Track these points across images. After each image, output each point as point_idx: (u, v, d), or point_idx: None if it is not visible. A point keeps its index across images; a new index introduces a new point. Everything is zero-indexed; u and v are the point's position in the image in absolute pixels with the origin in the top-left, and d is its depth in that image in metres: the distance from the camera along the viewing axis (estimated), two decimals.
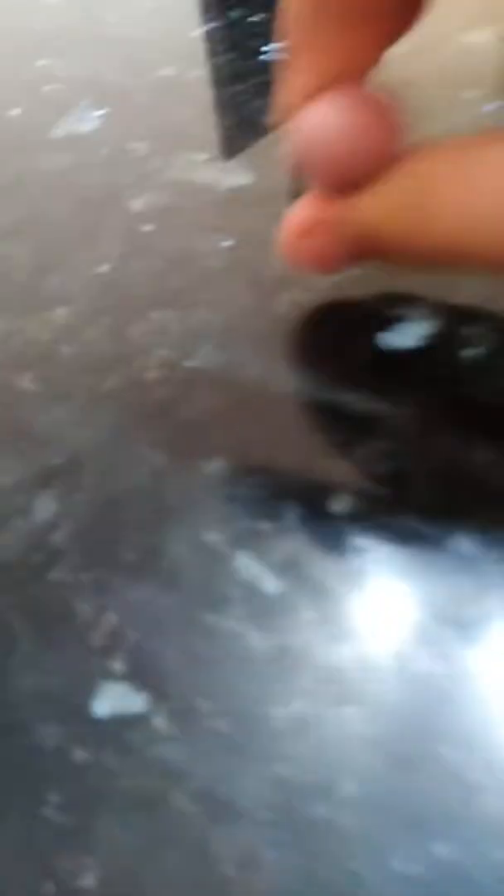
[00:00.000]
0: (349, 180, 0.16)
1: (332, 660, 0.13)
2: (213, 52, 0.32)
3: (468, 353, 0.17)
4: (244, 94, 0.29)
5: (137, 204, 0.24)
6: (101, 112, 0.29)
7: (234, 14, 0.35)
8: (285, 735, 0.13)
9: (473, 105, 0.26)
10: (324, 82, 0.16)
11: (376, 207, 0.16)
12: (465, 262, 0.15)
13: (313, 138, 0.16)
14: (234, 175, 0.24)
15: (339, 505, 0.15)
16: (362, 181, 0.16)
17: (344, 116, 0.15)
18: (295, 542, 0.15)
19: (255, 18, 0.34)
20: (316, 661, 0.13)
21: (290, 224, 0.17)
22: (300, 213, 0.17)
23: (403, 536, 0.14)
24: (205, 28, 0.34)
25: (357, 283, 0.20)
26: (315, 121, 0.16)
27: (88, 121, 0.29)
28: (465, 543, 0.14)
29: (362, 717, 0.13)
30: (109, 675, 0.14)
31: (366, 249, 0.16)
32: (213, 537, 0.15)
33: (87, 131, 0.29)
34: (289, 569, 0.14)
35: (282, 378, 0.18)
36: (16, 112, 0.30)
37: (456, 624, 0.13)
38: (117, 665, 0.14)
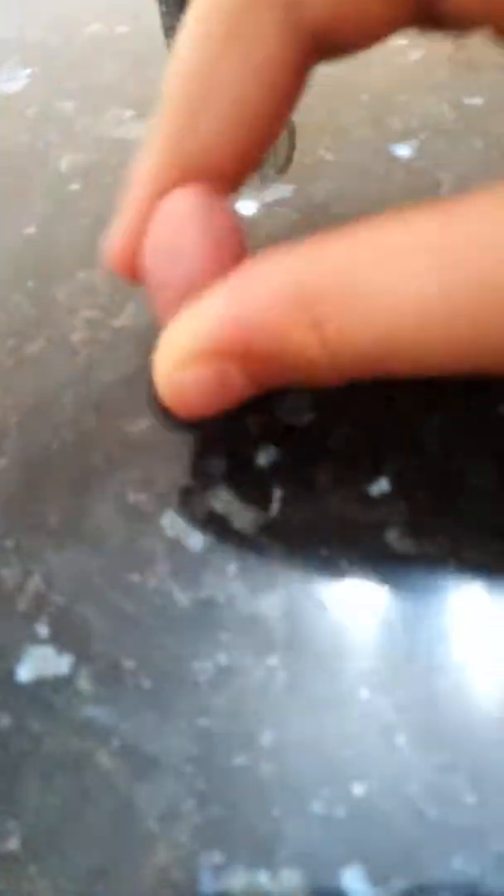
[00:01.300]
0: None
1: (254, 611, 0.13)
2: (143, 7, 0.31)
3: None
4: None
5: (65, 163, 0.23)
6: (28, 71, 0.28)
7: None
8: (208, 688, 0.12)
9: (401, 53, 0.25)
10: (181, 173, 0.14)
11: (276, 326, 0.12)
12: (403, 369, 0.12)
13: (158, 245, 0.14)
14: None
15: (264, 458, 0.15)
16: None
17: (190, 230, 0.13)
18: (219, 497, 0.15)
19: None
20: (239, 613, 0.13)
21: (164, 353, 0.13)
22: (178, 333, 0.13)
23: (325, 485, 0.14)
24: None
25: (281, 235, 0.19)
26: (162, 228, 0.14)
27: (15, 80, 0.28)
28: (385, 487, 0.14)
29: (283, 666, 0.12)
30: (33, 640, 0.13)
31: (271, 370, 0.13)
32: (138, 497, 0.15)
33: (14, 91, 0.28)
34: (213, 524, 0.14)
35: None
36: None
37: (375, 569, 0.13)
38: (41, 629, 0.14)
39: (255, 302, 0.12)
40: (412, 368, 0.12)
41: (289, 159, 0.22)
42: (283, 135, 0.23)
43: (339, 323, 0.11)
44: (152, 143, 0.15)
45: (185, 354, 0.13)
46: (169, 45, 0.28)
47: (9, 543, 0.15)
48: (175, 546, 0.14)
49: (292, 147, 0.22)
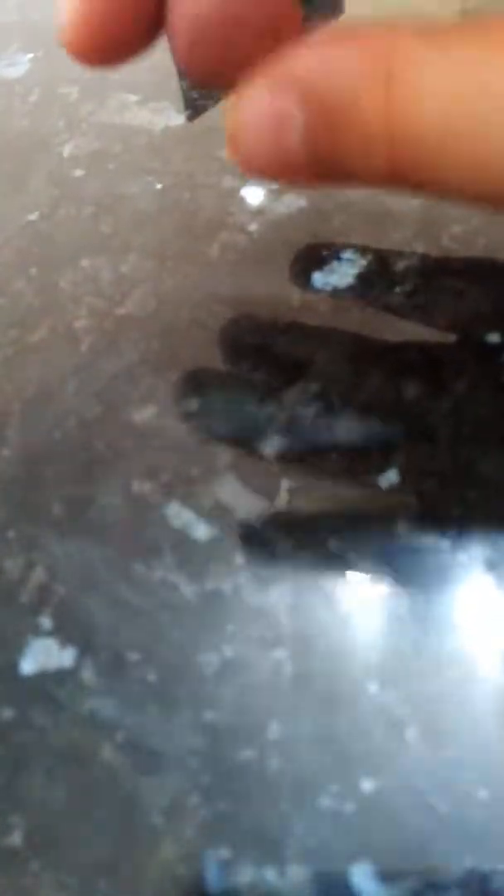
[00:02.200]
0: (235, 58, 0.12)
1: (261, 603, 0.13)
2: None
3: (399, 289, 0.17)
4: None
5: (68, 149, 0.23)
6: (30, 56, 0.28)
7: None
8: (214, 681, 0.12)
9: None
10: None
11: (341, 89, 0.11)
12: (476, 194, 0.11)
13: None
14: (167, 116, 0.23)
15: (270, 448, 0.15)
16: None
17: None
18: (226, 488, 0.14)
19: None
20: (245, 605, 0.13)
21: (238, 107, 0.12)
22: (252, 92, 0.12)
23: (333, 476, 0.14)
24: None
25: (288, 223, 0.19)
26: None
27: (17, 65, 0.28)
28: (395, 479, 0.14)
29: (290, 658, 0.12)
30: (36, 632, 0.13)
31: (318, 147, 0.12)
32: (143, 487, 0.15)
33: (15, 76, 0.27)
34: (219, 514, 0.14)
35: (213, 323, 0.17)
36: None
37: (384, 561, 0.13)
38: (44, 621, 0.13)
39: (334, 47, 0.12)
40: (467, 172, 0.11)
41: None
42: None
43: (409, 87, 0.11)
44: None
45: (253, 83, 0.12)
46: None
47: (11, 534, 0.14)
48: (181, 537, 0.14)
49: None
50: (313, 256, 0.18)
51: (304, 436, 0.15)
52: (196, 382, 0.16)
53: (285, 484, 0.14)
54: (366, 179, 0.12)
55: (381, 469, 0.14)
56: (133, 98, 0.25)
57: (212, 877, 0.11)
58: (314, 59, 0.11)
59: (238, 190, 0.20)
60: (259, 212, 0.19)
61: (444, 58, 0.11)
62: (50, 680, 0.13)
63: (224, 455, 0.15)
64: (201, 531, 0.14)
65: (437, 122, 0.11)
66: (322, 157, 0.12)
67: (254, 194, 0.20)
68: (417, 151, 0.11)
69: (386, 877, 0.10)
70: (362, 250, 0.18)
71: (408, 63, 0.11)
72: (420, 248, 0.18)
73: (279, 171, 0.12)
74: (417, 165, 0.11)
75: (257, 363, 0.16)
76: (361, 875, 0.10)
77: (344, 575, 0.13)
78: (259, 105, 0.12)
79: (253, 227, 0.19)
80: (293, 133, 0.12)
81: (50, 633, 0.13)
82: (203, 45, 0.12)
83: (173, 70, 0.26)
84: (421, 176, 0.11)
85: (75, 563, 0.14)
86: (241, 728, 0.12)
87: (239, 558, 0.13)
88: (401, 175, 0.12)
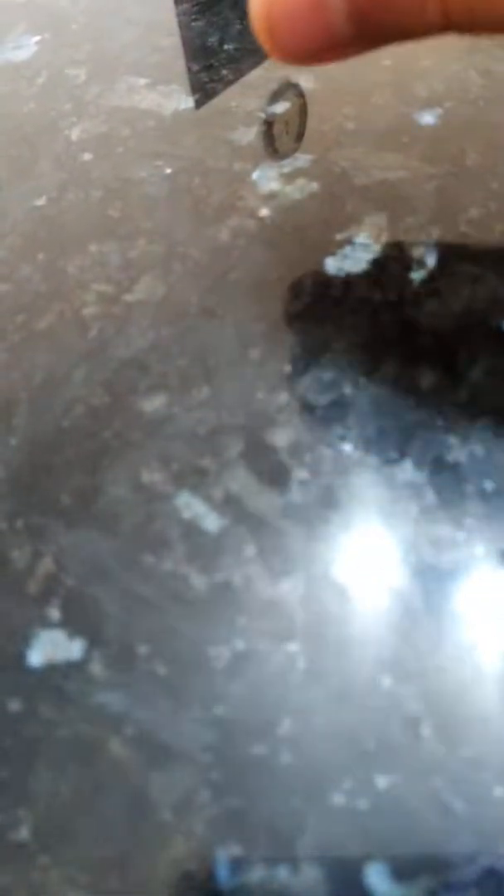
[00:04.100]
0: None
1: (272, 595, 0.13)
2: None
3: (415, 275, 0.16)
4: (188, 14, 0.27)
5: (76, 132, 0.23)
6: (37, 38, 0.28)
7: None
8: (225, 674, 0.12)
9: None
10: None
11: None
12: None
13: None
14: (176, 99, 0.23)
15: (282, 438, 0.14)
16: None
17: None
18: (236, 478, 0.14)
19: None
20: (257, 597, 0.13)
21: None
22: None
23: (347, 467, 0.14)
24: None
25: (300, 207, 0.18)
26: None
27: (24, 48, 0.27)
28: (409, 471, 0.13)
29: (302, 652, 0.12)
30: (44, 623, 0.13)
31: (367, 17, 0.11)
32: (153, 477, 0.14)
33: (23, 58, 0.27)
34: (230, 505, 0.14)
35: (224, 309, 0.17)
36: None
37: (398, 553, 0.13)
38: (52, 612, 0.13)
39: None
40: None
41: (302, 127, 0.21)
42: (296, 103, 0.22)
43: None
44: None
45: None
46: (179, 12, 0.28)
47: (19, 524, 0.14)
48: (191, 528, 0.14)
49: (304, 115, 0.21)
50: (326, 241, 0.18)
51: (317, 425, 0.14)
52: (206, 370, 0.16)
53: (297, 474, 0.14)
54: (416, 34, 0.12)
55: (396, 460, 0.14)
56: (142, 81, 0.24)
57: (223, 874, 0.10)
58: None
59: (249, 174, 0.20)
60: (270, 196, 0.19)
61: None
62: (58, 672, 0.12)
63: (235, 445, 0.15)
64: (212, 522, 0.14)
65: None
66: (371, 24, 0.12)
67: (265, 178, 0.20)
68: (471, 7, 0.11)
69: (400, 875, 0.10)
70: (376, 235, 0.17)
71: None
72: (436, 233, 0.17)
73: (320, 50, 0.12)
74: (473, 10, 0.11)
75: (269, 351, 0.16)
76: (375, 873, 0.10)
77: (357, 567, 0.13)
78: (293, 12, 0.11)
79: (264, 211, 0.19)
80: (334, 14, 0.11)
81: (58, 625, 0.13)
82: None
83: (181, 53, 0.25)
84: (477, 19, 0.11)
85: (83, 554, 0.14)
86: (253, 723, 0.12)
87: (250, 550, 0.13)
88: (456, 23, 0.11)
